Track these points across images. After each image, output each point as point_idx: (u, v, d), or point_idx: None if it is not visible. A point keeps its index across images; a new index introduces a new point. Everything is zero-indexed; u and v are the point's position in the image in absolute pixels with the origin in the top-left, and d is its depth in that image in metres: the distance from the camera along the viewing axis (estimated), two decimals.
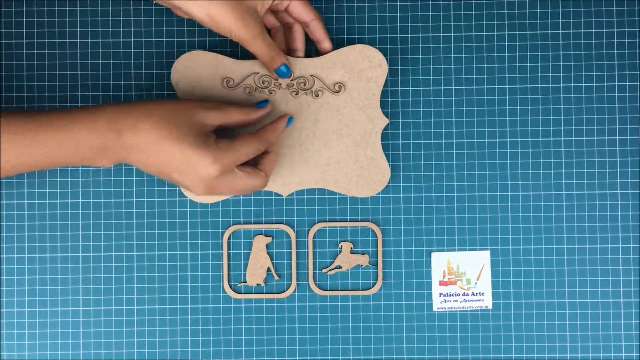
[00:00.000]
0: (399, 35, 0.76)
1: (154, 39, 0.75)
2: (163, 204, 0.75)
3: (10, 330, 0.75)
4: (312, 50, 0.75)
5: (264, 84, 0.73)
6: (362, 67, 0.73)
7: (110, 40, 0.75)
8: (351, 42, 0.75)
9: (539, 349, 0.75)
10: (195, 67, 0.73)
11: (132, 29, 0.75)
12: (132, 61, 0.75)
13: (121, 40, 0.75)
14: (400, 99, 0.76)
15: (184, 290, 0.75)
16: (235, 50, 0.76)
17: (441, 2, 0.76)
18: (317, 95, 0.73)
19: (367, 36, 0.76)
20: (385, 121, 0.74)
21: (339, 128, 0.74)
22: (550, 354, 0.75)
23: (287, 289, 0.76)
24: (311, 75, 0.73)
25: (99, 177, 0.75)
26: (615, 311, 0.75)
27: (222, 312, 0.75)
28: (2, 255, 0.75)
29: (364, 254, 0.76)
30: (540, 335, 0.75)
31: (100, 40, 0.75)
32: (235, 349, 0.75)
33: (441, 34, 0.76)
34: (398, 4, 0.76)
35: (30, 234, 0.75)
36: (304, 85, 0.74)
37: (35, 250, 0.75)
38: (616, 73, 0.75)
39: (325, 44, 0.73)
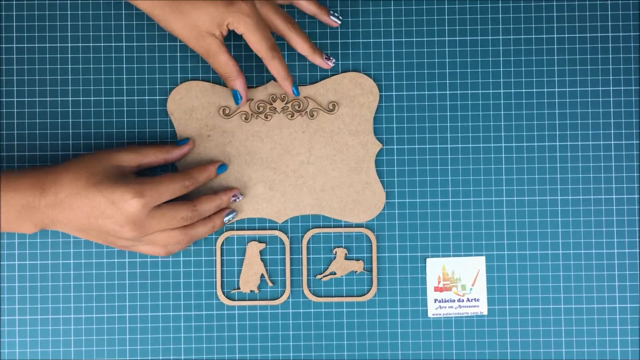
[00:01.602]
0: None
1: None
2: None
3: (2, 338, 0.74)
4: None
5: (259, 109, 0.74)
6: (354, 94, 0.74)
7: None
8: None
9: (535, 354, 0.75)
10: (191, 97, 0.74)
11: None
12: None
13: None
14: (395, 104, 0.75)
15: (176, 297, 0.75)
16: None
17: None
18: (312, 116, 0.74)
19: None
20: (378, 146, 0.74)
21: (333, 154, 0.74)
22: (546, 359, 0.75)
23: (281, 296, 0.75)
24: (305, 97, 0.74)
25: None
26: (611, 317, 0.75)
27: (215, 319, 0.75)
28: (1, 262, 0.75)
29: (358, 260, 0.75)
30: (535, 341, 0.75)
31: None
32: (229, 357, 0.75)
33: (435, 37, 0.75)
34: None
35: (20, 241, 0.74)
36: (299, 107, 0.74)
37: (26, 257, 0.74)
38: (611, 78, 0.75)
39: (324, 17, 0.73)
